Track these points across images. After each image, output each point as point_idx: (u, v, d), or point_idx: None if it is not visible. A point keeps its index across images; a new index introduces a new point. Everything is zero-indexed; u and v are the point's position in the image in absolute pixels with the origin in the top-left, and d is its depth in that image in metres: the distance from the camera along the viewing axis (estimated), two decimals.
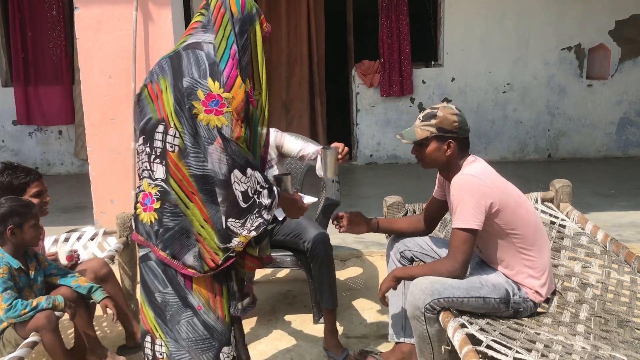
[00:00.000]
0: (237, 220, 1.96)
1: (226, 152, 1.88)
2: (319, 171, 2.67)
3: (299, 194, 2.62)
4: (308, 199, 2.67)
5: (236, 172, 1.90)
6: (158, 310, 2.07)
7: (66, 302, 2.41)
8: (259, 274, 3.92)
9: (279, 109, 7.62)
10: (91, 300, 2.58)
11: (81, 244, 3.18)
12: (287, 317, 3.42)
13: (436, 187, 2.72)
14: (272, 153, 3.17)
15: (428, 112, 2.45)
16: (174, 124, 1.92)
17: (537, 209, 3.12)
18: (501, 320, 2.39)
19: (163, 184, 1.98)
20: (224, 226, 1.96)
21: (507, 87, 7.47)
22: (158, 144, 1.97)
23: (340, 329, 3.25)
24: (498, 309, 2.39)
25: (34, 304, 2.36)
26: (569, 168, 7.01)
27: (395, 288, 2.50)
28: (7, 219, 2.39)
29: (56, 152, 7.63)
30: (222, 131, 1.88)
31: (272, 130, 3.13)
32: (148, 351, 2.14)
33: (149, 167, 2.01)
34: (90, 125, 4.10)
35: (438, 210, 2.75)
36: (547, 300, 2.56)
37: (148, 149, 2.00)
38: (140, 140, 2.02)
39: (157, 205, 2.01)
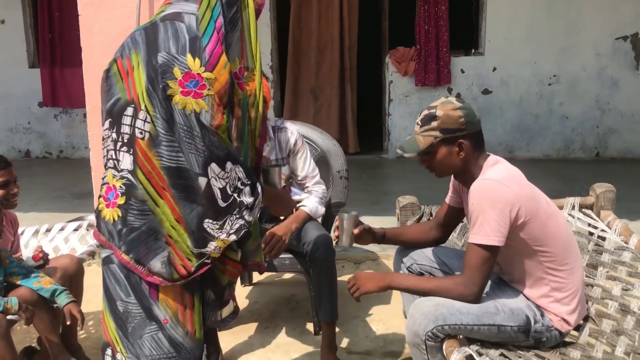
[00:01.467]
0: (214, 222, 1.71)
1: (203, 142, 1.63)
2: (333, 234, 2.31)
3: (291, 188, 2.31)
4: (298, 195, 2.34)
5: (213, 165, 1.67)
6: (119, 321, 1.81)
7: (21, 305, 2.14)
8: (260, 275, 3.62)
9: (307, 96, 7.31)
10: (55, 305, 2.31)
11: (62, 236, 2.93)
12: (287, 326, 3.10)
13: (450, 193, 2.34)
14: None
15: (425, 114, 2.07)
16: (145, 106, 1.65)
17: (572, 217, 2.71)
18: (519, 352, 2.02)
19: (129, 175, 1.71)
20: (198, 228, 1.71)
21: (554, 78, 6.93)
22: (126, 129, 1.69)
23: (343, 342, 2.92)
24: (516, 338, 2.01)
25: None
26: (618, 169, 6.45)
27: (383, 290, 2.13)
28: None
29: (81, 135, 7.48)
30: (200, 117, 1.62)
31: (295, 133, 2.78)
32: None
33: (114, 156, 1.73)
34: (91, 108, 3.83)
35: (452, 218, 2.37)
36: (578, 328, 2.16)
37: (114, 135, 1.72)
38: (107, 124, 1.74)
39: (121, 200, 1.73)
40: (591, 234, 2.65)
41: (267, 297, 3.45)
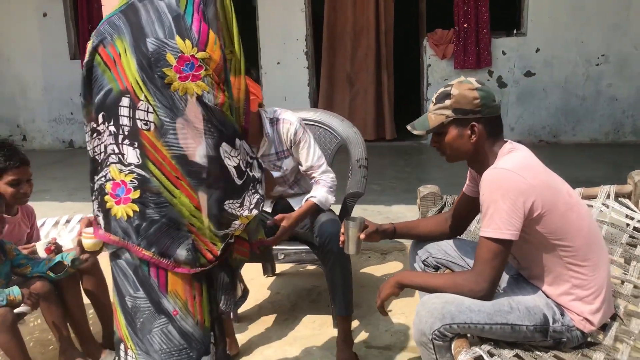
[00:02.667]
0: (234, 202, 1.69)
1: (211, 124, 1.61)
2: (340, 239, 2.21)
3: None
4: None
5: (224, 145, 1.65)
6: (128, 317, 1.78)
7: (24, 294, 2.14)
8: (284, 266, 3.57)
9: (342, 82, 7.19)
10: (68, 267, 2.28)
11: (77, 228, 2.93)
12: (307, 318, 3.04)
13: (467, 181, 2.21)
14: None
15: (441, 91, 1.95)
16: (145, 96, 1.58)
17: (607, 207, 2.52)
18: (536, 352, 1.88)
19: (139, 170, 1.64)
20: (220, 210, 1.68)
21: (602, 58, 6.58)
22: (125, 120, 1.62)
23: (363, 335, 2.83)
24: (532, 338, 1.87)
25: None
26: None
27: (397, 295, 2.04)
28: None
29: None
30: (203, 99, 1.59)
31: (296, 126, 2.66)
32: None
33: (117, 150, 1.66)
34: None
35: (469, 209, 2.23)
36: (604, 327, 2.01)
37: (113, 128, 1.64)
38: (100, 118, 1.65)
39: (135, 194, 1.67)
40: (627, 225, 2.47)
41: (289, 288, 3.40)
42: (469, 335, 1.87)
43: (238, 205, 1.70)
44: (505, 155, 1.91)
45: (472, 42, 6.66)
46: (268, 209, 2.79)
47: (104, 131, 1.67)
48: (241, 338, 2.84)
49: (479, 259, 1.84)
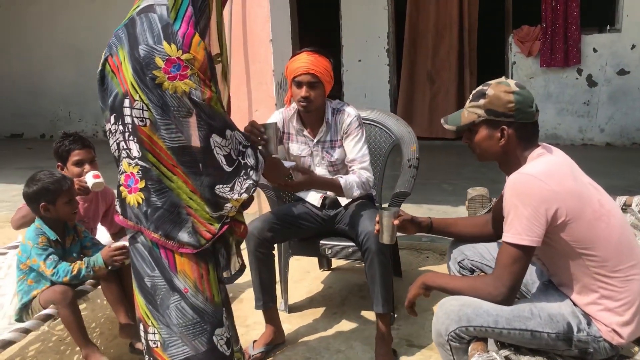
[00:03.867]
0: (225, 186, 1.86)
1: (200, 118, 1.78)
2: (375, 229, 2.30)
3: (284, 161, 2.34)
4: (288, 164, 2.36)
5: (215, 136, 1.82)
6: (149, 295, 1.96)
7: (105, 262, 2.41)
8: (339, 261, 3.65)
9: (423, 80, 7.13)
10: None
11: None
12: (354, 313, 3.10)
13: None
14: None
15: (479, 89, 1.94)
16: (139, 96, 1.78)
17: None
18: None
19: (142, 162, 1.86)
20: (212, 194, 1.86)
21: None
22: (128, 119, 1.84)
23: (406, 333, 2.86)
24: (554, 346, 1.84)
25: (75, 271, 2.38)
26: None
27: (427, 296, 2.07)
28: (39, 196, 2.42)
29: None
30: (191, 96, 1.76)
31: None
32: (143, 341, 2.03)
33: (126, 146, 1.88)
34: None
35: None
36: (638, 341, 1.93)
37: (121, 127, 1.86)
38: (112, 119, 1.88)
39: (141, 184, 1.89)
40: None
41: (342, 283, 3.47)
42: (490, 339, 1.88)
43: (228, 189, 1.86)
44: (533, 160, 1.89)
45: (560, 39, 6.38)
46: (317, 203, 2.89)
47: (116, 130, 1.89)
48: (289, 328, 2.95)
49: (498, 264, 1.84)
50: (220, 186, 1.85)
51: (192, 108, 1.76)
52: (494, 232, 2.27)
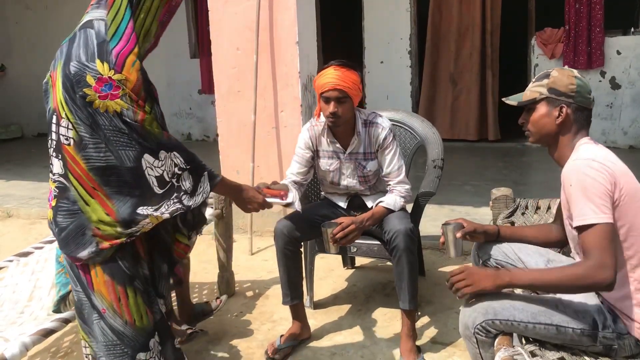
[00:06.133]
0: (149, 207, 1.84)
1: (132, 138, 1.74)
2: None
3: (268, 189, 2.31)
4: (276, 200, 2.27)
5: (147, 156, 1.79)
6: (78, 309, 2.00)
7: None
8: (364, 260, 3.70)
9: (445, 82, 7.15)
10: None
11: None
12: (378, 310, 3.16)
13: None
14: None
15: (543, 72, 2.03)
16: (65, 114, 1.78)
17: None
18: (585, 357, 1.89)
19: (62, 179, 1.88)
20: (131, 215, 1.84)
21: None
22: (53, 135, 1.86)
23: (431, 331, 2.91)
24: (579, 342, 1.88)
25: None
26: None
27: (500, 289, 2.01)
28: None
29: None
30: (123, 116, 1.75)
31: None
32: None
33: (50, 161, 1.91)
34: (219, 97, 4.19)
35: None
36: None
37: (49, 141, 1.89)
38: (49, 134, 1.91)
39: (54, 202, 1.91)
40: None
41: (366, 281, 3.53)
42: (515, 336, 1.91)
43: (152, 209, 1.84)
44: (583, 146, 1.93)
45: (584, 42, 6.37)
46: (343, 205, 2.95)
47: (49, 144, 1.91)
48: (314, 324, 3.02)
49: (594, 247, 1.75)
50: (145, 207, 1.83)
51: (124, 128, 1.75)
52: (562, 238, 2.22)
